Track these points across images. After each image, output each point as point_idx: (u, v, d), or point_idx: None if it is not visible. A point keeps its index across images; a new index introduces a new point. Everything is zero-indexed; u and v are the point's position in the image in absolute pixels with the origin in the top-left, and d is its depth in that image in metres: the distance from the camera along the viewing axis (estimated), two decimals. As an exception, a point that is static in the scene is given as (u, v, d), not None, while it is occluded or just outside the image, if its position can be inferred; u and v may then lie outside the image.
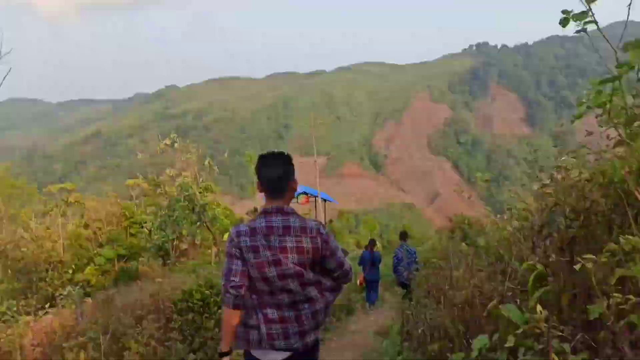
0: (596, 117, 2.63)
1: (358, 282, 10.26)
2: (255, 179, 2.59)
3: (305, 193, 25.65)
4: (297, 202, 25.32)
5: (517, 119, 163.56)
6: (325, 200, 26.08)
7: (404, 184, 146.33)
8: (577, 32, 2.57)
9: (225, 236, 24.38)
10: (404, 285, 8.26)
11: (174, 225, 10.62)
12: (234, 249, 2.45)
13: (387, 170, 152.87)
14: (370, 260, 9.38)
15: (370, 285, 9.67)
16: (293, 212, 2.50)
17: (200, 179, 13.38)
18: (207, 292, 6.44)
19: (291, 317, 2.46)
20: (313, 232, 2.44)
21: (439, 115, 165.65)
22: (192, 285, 6.49)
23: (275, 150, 2.64)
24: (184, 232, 13.98)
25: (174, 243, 18.13)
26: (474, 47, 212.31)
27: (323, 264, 2.53)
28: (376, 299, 9.75)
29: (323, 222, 2.86)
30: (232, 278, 2.43)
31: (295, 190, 2.62)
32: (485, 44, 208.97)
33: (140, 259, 12.73)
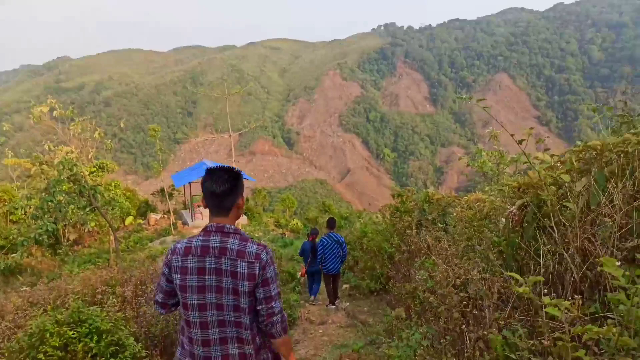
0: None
1: (299, 274, 9.78)
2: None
3: (217, 170, 24.60)
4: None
5: (421, 98, 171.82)
6: (240, 178, 25.19)
7: (315, 161, 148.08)
8: None
9: (128, 220, 22.80)
10: (331, 276, 7.87)
11: (55, 211, 9.20)
12: (164, 267, 2.37)
13: (299, 147, 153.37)
14: (310, 251, 8.77)
15: (313, 277, 9.16)
16: (235, 232, 2.32)
17: (90, 156, 11.65)
18: (79, 331, 3.77)
19: (216, 355, 2.28)
20: (252, 257, 2.26)
21: (350, 92, 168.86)
22: (45, 324, 3.68)
23: (225, 165, 2.43)
24: (72, 218, 12.32)
25: (66, 231, 16.32)
26: (382, 28, 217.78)
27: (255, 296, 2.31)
28: (318, 291, 9.29)
29: (266, 246, 2.41)
30: (157, 294, 2.43)
31: (241, 208, 2.44)
32: (393, 24, 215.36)
33: (22, 250, 11.15)
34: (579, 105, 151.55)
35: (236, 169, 2.43)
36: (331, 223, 7.88)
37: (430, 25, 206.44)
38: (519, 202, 3.74)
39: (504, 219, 4.96)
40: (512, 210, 3.59)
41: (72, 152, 10.03)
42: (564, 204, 2.88)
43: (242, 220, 23.74)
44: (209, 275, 2.24)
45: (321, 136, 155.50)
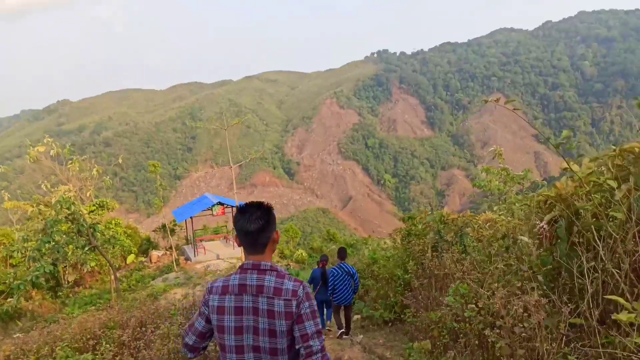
0: None
1: None
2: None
3: (220, 203, 24.24)
4: (212, 213, 23.86)
5: (418, 122, 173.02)
6: (241, 211, 24.79)
7: (317, 190, 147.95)
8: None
9: (130, 258, 22.38)
10: (342, 307, 7.47)
11: (53, 252, 8.86)
12: (203, 307, 2.32)
13: (299, 177, 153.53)
14: (321, 278, 8.30)
15: (323, 305, 8.68)
16: (272, 269, 2.25)
17: (88, 194, 11.34)
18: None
19: None
20: (288, 294, 2.18)
21: (347, 120, 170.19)
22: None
23: (254, 201, 2.37)
24: (71, 258, 11.92)
25: (65, 272, 15.89)
26: (375, 55, 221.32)
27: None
28: (330, 319, 8.81)
29: (302, 282, 2.27)
30: (189, 336, 2.36)
31: (277, 242, 2.37)
32: (386, 51, 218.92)
33: (18, 294, 10.70)
34: (575, 122, 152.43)
35: (266, 203, 2.37)
36: (342, 253, 7.44)
37: (422, 50, 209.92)
38: (548, 216, 3.44)
39: (525, 238, 4.65)
40: (542, 226, 3.29)
41: (70, 191, 9.73)
42: (611, 213, 2.57)
43: (246, 252, 23.31)
44: (246, 315, 2.20)
45: (321, 165, 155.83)
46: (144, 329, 5.09)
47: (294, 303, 2.17)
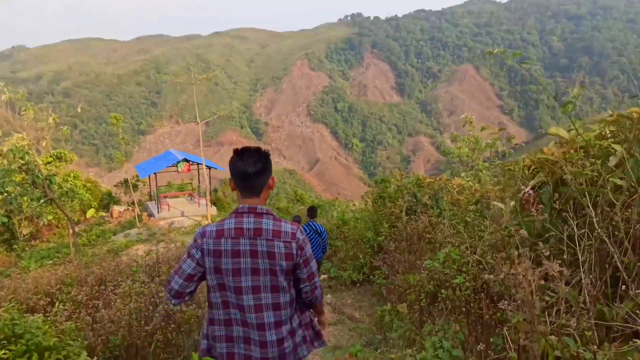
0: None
1: None
2: (227, 175, 2.33)
3: (186, 160, 23.58)
4: (178, 170, 23.23)
5: (388, 88, 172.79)
6: (210, 168, 24.25)
7: (284, 151, 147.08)
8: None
9: (90, 213, 21.66)
10: None
11: (6, 204, 8.27)
12: (193, 250, 2.29)
13: (267, 137, 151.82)
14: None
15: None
16: (267, 213, 2.28)
17: (44, 144, 10.56)
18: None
19: (254, 339, 2.25)
20: (288, 237, 2.25)
21: (318, 83, 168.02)
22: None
23: (251, 146, 2.38)
24: (26, 211, 11.26)
25: (21, 225, 15.18)
26: (349, 18, 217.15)
27: (295, 274, 2.33)
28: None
29: (299, 225, 2.31)
30: (175, 279, 2.29)
31: (272, 188, 2.39)
32: (360, 14, 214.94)
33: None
34: (540, 95, 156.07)
35: (264, 150, 2.38)
36: (312, 212, 7.29)
37: (396, 15, 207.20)
38: (533, 181, 3.35)
39: (499, 203, 4.60)
40: (527, 191, 3.20)
41: (24, 140, 9.01)
42: (610, 178, 2.47)
43: (212, 211, 22.97)
44: (243, 258, 2.21)
45: (290, 126, 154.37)
46: (103, 286, 4.83)
47: (294, 245, 2.24)
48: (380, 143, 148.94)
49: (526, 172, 3.60)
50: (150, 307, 4.09)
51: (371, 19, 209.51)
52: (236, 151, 2.35)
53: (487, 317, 2.52)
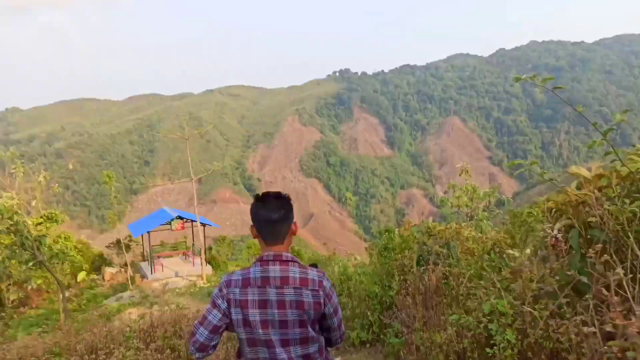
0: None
1: None
2: (248, 221, 2.26)
3: (180, 217, 23.17)
4: (171, 228, 22.75)
5: (378, 141, 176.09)
6: (204, 225, 23.85)
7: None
8: None
9: (81, 276, 20.93)
10: None
11: (-9, 268, 7.92)
12: (219, 300, 2.21)
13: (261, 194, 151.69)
14: None
15: None
16: (293, 260, 2.22)
17: (33, 203, 10.21)
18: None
19: None
20: (315, 285, 2.18)
21: (309, 138, 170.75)
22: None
23: (270, 191, 2.35)
24: (14, 275, 10.74)
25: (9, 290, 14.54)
26: (337, 74, 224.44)
27: (321, 324, 2.29)
28: None
29: (324, 273, 2.34)
30: (200, 331, 2.21)
31: (295, 234, 2.32)
32: (347, 70, 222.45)
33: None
34: (527, 145, 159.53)
35: (285, 194, 2.33)
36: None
37: (383, 70, 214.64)
38: (559, 224, 3.15)
39: (514, 251, 4.38)
40: (555, 235, 2.99)
41: (13, 199, 8.74)
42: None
43: (207, 270, 22.33)
44: (270, 309, 2.13)
45: (283, 182, 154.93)
46: (94, 355, 4.43)
47: (322, 294, 2.18)
48: (374, 196, 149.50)
49: (548, 215, 3.41)
50: None
51: (359, 74, 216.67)
52: (258, 197, 2.31)
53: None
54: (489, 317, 3.00)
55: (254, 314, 2.12)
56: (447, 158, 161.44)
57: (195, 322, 2.27)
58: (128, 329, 6.09)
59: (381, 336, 6.14)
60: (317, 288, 2.17)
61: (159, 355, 4.32)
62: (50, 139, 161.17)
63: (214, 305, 2.23)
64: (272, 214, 2.21)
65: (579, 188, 3.21)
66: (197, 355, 2.26)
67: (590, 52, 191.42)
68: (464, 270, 4.23)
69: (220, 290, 2.23)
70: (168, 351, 4.59)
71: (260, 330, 2.13)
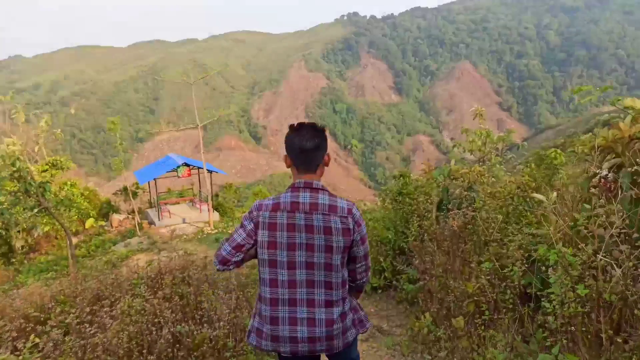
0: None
1: None
2: (281, 151, 2.33)
3: (186, 164, 22.94)
4: (178, 175, 22.58)
5: (386, 87, 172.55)
6: (210, 172, 23.66)
7: (284, 154, 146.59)
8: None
9: (89, 223, 21.07)
10: None
11: (-1, 215, 7.78)
12: (246, 221, 2.28)
13: (266, 141, 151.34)
14: None
15: None
16: (323, 189, 2.26)
17: (37, 149, 9.87)
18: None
19: (301, 317, 2.19)
20: (344, 212, 2.20)
21: (315, 84, 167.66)
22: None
23: (307, 122, 2.36)
24: (21, 222, 10.66)
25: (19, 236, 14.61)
26: (345, 17, 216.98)
27: (349, 253, 2.27)
28: None
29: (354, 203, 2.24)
30: (224, 246, 2.28)
31: (327, 165, 2.36)
32: (356, 14, 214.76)
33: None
34: (538, 90, 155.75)
35: (320, 125, 2.33)
36: None
37: (392, 14, 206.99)
38: (608, 163, 2.79)
39: (540, 196, 4.04)
40: (606, 175, 2.64)
41: (15, 145, 8.43)
42: None
43: (214, 216, 22.39)
44: (298, 233, 2.17)
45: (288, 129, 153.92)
46: (99, 304, 4.27)
47: (351, 221, 2.18)
48: (380, 144, 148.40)
49: (594, 153, 3.03)
50: (154, 330, 3.51)
51: (367, 18, 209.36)
52: (292, 126, 2.34)
53: (608, 340, 1.96)
54: (529, 266, 2.70)
55: (282, 236, 2.16)
56: (456, 104, 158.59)
57: (221, 244, 2.32)
58: (135, 275, 5.96)
59: (394, 282, 5.99)
60: (345, 215, 2.18)
61: (167, 303, 4.14)
62: (54, 87, 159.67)
63: (241, 225, 2.29)
64: (306, 142, 2.24)
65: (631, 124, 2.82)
66: (218, 267, 2.31)
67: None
68: (492, 214, 3.91)
69: (251, 212, 2.29)
70: (176, 299, 4.42)
71: (285, 252, 2.16)
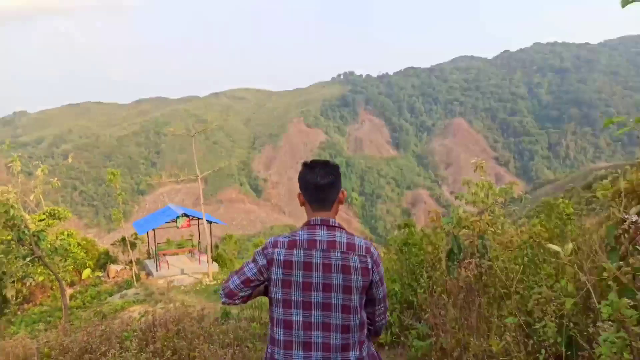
0: None
1: None
2: (294, 189, 2.00)
3: (185, 215, 22.74)
4: (177, 225, 22.30)
5: (384, 142, 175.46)
6: (210, 223, 23.42)
7: (284, 207, 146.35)
8: None
9: (85, 273, 20.56)
10: None
11: (-15, 264, 7.54)
12: (259, 256, 2.20)
13: (267, 194, 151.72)
14: None
15: None
16: (340, 227, 2.20)
17: (32, 197, 9.69)
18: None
19: None
20: (362, 250, 2.13)
21: (314, 139, 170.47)
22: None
23: (320, 159, 2.35)
24: (16, 272, 10.33)
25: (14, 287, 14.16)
26: (342, 76, 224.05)
27: (367, 294, 2.19)
28: None
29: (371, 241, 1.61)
30: (232, 280, 2.22)
31: (342, 203, 2.29)
32: (352, 73, 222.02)
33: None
34: (533, 146, 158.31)
35: (333, 162, 2.31)
36: None
37: (387, 73, 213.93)
38: (635, 209, 2.64)
39: (555, 246, 3.88)
40: (636, 220, 2.48)
41: (9, 193, 8.31)
42: None
43: (213, 267, 21.90)
44: (315, 272, 2.09)
45: (288, 182, 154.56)
46: (87, 355, 3.96)
47: (369, 260, 2.12)
48: (380, 197, 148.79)
49: (617, 199, 2.90)
50: None
51: (363, 77, 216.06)
52: (306, 164, 2.32)
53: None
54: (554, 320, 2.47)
55: (298, 275, 2.08)
56: (453, 158, 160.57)
57: (228, 277, 2.27)
58: (128, 327, 5.63)
59: (402, 338, 5.66)
60: (364, 254, 2.11)
61: (158, 358, 3.84)
62: (57, 141, 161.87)
63: (253, 259, 2.23)
64: (320, 179, 2.20)
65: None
66: (223, 300, 2.25)
67: (595, 53, 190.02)
68: (507, 265, 3.72)
69: (265, 248, 2.21)
70: (169, 353, 4.12)
71: (301, 292, 2.09)
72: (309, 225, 2.19)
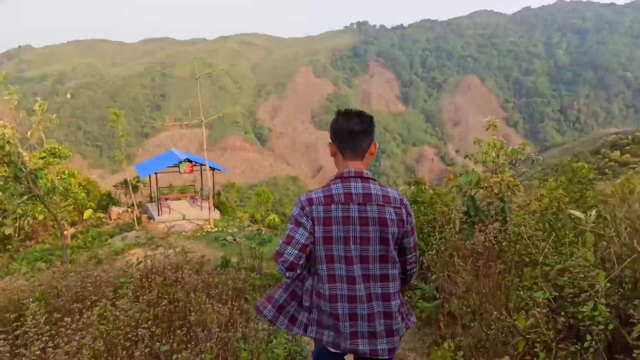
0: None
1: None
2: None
3: (189, 160, 22.47)
4: (179, 170, 22.09)
5: (393, 97, 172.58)
6: (213, 170, 23.18)
7: (288, 157, 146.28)
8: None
9: (87, 214, 20.62)
10: None
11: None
12: (303, 219, 2.14)
13: (271, 143, 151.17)
14: None
15: None
16: (373, 178, 2.20)
17: (29, 133, 9.35)
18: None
19: (362, 313, 2.11)
20: (397, 202, 2.15)
21: (322, 90, 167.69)
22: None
23: (354, 108, 2.30)
24: (18, 210, 10.21)
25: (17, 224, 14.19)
26: (355, 26, 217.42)
27: (401, 243, 2.22)
28: None
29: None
30: (289, 250, 2.13)
31: (373, 155, 2.28)
32: (365, 22, 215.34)
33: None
34: (544, 108, 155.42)
35: (367, 113, 2.26)
36: None
37: (402, 24, 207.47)
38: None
39: (577, 212, 3.58)
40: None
41: (6, 127, 7.99)
42: None
43: (215, 214, 21.92)
44: (352, 225, 2.09)
45: (293, 133, 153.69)
46: (76, 304, 3.77)
47: (404, 211, 2.15)
48: (384, 152, 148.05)
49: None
50: (127, 345, 2.96)
51: (377, 27, 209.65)
52: (340, 111, 2.26)
53: None
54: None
55: (338, 230, 2.08)
56: (462, 117, 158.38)
57: (281, 241, 2.16)
58: (126, 272, 5.49)
59: (405, 298, 5.51)
60: (399, 205, 2.12)
61: (152, 309, 3.65)
62: (62, 78, 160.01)
63: (299, 224, 2.14)
64: (354, 125, 2.16)
65: None
66: (287, 275, 2.17)
67: (619, 15, 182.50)
68: (530, 231, 3.43)
69: (303, 208, 2.15)
70: (165, 302, 3.94)
71: (342, 246, 2.09)
72: (342, 177, 2.15)
